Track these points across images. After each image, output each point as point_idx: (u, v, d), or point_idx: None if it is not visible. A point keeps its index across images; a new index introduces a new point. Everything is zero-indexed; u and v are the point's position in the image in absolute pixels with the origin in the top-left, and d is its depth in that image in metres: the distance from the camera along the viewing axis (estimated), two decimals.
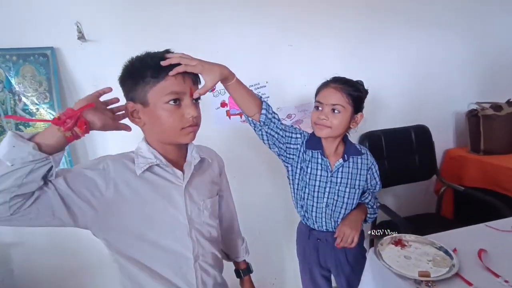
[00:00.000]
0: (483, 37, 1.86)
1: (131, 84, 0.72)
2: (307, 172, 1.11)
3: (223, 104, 1.58)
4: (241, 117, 1.61)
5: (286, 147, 1.09)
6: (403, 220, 1.45)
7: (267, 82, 1.60)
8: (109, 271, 0.80)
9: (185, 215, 0.78)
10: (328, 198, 1.11)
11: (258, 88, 1.60)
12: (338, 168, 1.10)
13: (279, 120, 1.04)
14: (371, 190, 1.20)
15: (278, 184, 1.72)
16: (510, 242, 0.96)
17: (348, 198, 1.12)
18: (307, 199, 1.14)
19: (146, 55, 0.73)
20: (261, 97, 1.01)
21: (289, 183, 1.19)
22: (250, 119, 1.00)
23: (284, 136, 1.06)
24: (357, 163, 1.13)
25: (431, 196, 1.89)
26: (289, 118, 1.66)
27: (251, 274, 1.10)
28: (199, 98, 0.78)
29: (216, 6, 1.45)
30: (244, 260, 1.09)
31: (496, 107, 1.74)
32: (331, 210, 1.12)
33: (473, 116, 1.78)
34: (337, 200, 1.12)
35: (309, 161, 1.11)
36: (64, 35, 1.34)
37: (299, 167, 1.12)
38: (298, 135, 1.10)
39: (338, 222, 1.13)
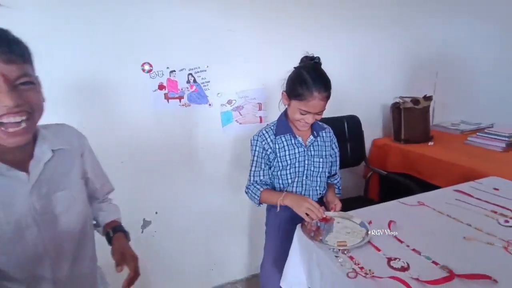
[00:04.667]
0: (406, 40, 2.05)
1: None
2: (286, 154, 1.22)
3: (160, 87, 1.52)
4: (180, 100, 1.57)
5: (270, 160, 1.24)
6: None
7: (207, 67, 1.58)
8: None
9: (33, 216, 0.70)
10: (306, 169, 1.25)
11: (198, 72, 1.57)
12: (312, 143, 1.25)
13: (264, 173, 1.24)
14: (336, 170, 1.37)
15: (218, 169, 1.73)
16: (416, 214, 1.09)
17: (322, 168, 1.27)
18: (287, 177, 1.24)
19: None
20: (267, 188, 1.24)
21: (272, 171, 1.27)
22: None
23: (269, 165, 1.25)
24: (323, 136, 1.29)
25: (360, 181, 2.06)
26: (229, 104, 1.66)
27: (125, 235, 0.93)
28: (30, 81, 0.63)
29: None
30: (115, 221, 0.97)
31: (415, 101, 1.95)
32: (310, 180, 1.27)
33: (396, 108, 1.97)
34: (313, 171, 1.26)
35: (285, 145, 1.22)
36: None
37: (278, 155, 1.23)
38: (265, 145, 1.22)
39: (316, 190, 1.28)
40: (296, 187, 1.26)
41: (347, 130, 1.90)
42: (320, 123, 1.30)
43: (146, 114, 1.52)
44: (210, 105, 1.63)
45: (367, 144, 2.04)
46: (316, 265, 0.90)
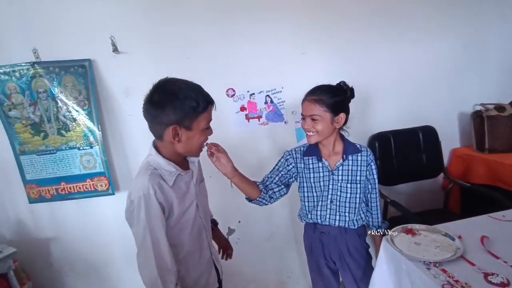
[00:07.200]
0: (485, 43, 1.95)
1: (181, 112, 0.89)
2: (310, 177, 1.26)
3: (242, 109, 1.71)
4: (259, 120, 1.74)
5: (290, 175, 1.30)
6: (413, 214, 1.55)
7: (282, 88, 1.72)
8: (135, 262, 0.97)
9: (196, 202, 1.03)
10: (331, 194, 1.24)
11: (275, 93, 1.72)
12: (338, 167, 1.23)
13: (271, 177, 1.29)
14: (375, 205, 1.31)
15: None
16: (510, 230, 1.06)
17: (350, 193, 1.24)
18: (312, 199, 1.28)
19: (197, 91, 0.91)
20: (255, 182, 1.28)
21: (298, 191, 1.33)
22: (257, 201, 1.27)
23: (284, 176, 1.29)
24: (357, 160, 1.24)
25: (439, 193, 1.98)
26: None
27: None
28: None
29: (232, 19, 1.61)
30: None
31: (500, 108, 1.83)
32: (336, 205, 1.25)
33: (478, 116, 1.87)
34: (340, 196, 1.24)
35: (310, 167, 1.26)
36: (100, 48, 1.49)
37: (302, 176, 1.28)
38: (290, 159, 1.29)
39: (345, 216, 1.25)
40: (321, 210, 1.26)
41: (422, 140, 1.87)
42: (359, 145, 1.27)
43: (231, 134, 1.72)
44: (285, 122, 1.77)
45: (445, 154, 1.96)
46: (406, 276, 0.95)
